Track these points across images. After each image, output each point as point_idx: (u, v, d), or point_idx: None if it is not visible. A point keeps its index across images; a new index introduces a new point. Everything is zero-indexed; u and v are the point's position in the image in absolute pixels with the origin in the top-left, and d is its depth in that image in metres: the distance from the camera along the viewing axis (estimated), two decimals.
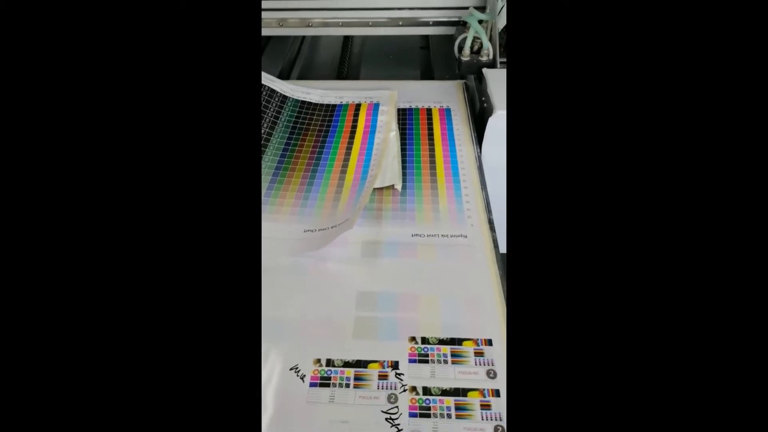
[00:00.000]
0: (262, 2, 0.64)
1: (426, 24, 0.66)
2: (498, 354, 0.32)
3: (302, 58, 0.74)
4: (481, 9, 0.58)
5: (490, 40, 0.56)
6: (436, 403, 0.29)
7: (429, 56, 0.73)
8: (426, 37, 0.76)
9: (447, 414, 0.29)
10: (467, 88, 0.57)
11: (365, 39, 0.78)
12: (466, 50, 0.56)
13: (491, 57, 0.55)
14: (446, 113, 0.53)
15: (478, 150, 0.48)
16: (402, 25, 0.66)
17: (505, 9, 0.54)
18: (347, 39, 0.76)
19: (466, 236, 0.40)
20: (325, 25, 0.67)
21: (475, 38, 0.56)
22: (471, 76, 0.57)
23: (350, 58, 0.73)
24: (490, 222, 0.41)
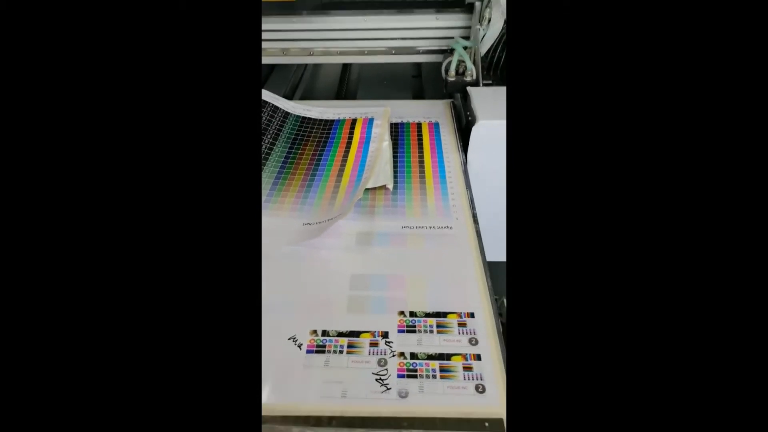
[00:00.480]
0: (268, 33, 0.71)
1: (417, 52, 0.72)
2: (480, 325, 0.35)
3: (304, 83, 0.80)
4: (466, 37, 0.65)
5: (474, 63, 0.61)
6: (422, 366, 0.32)
7: (421, 83, 0.79)
8: (418, 66, 0.82)
9: (432, 375, 0.31)
10: (454, 107, 0.62)
11: (361, 69, 0.84)
12: (452, 71, 0.62)
13: (474, 77, 0.61)
14: (435, 127, 0.58)
15: (464, 156, 0.52)
16: (395, 53, 0.73)
17: (486, 37, 0.60)
18: (345, 67, 0.83)
19: (451, 227, 0.43)
20: (325, 53, 0.73)
21: (460, 62, 0.62)
22: (458, 95, 0.62)
23: (348, 85, 0.79)
24: (474, 216, 0.44)
